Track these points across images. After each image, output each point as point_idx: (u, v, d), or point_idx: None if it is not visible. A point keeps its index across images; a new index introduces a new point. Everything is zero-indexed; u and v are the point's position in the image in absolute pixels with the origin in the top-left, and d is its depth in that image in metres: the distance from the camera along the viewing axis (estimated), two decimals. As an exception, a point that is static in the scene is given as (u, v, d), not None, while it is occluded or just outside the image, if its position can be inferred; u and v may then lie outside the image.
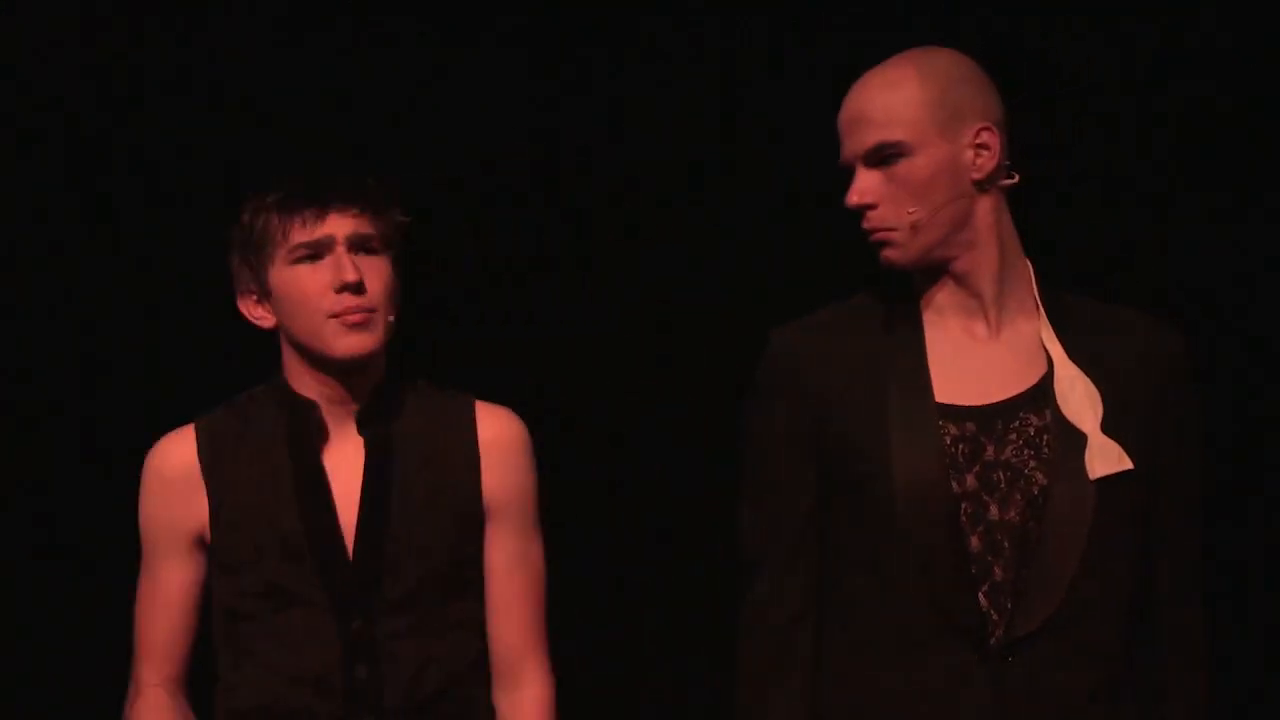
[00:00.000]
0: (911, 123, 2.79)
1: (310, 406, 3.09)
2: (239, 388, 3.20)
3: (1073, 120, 4.06)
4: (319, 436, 3.09)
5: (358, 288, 3.03)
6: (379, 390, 3.11)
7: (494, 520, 3.12)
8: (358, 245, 3.05)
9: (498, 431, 3.14)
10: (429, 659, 3.07)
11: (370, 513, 3.07)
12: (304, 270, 3.05)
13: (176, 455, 3.12)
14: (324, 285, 3.04)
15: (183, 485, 3.10)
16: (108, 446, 4.05)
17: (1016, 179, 2.84)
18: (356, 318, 3.03)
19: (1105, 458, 2.76)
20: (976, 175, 2.81)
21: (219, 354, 3.96)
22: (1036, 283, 2.88)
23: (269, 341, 3.15)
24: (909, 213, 2.80)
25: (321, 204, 3.05)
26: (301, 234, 3.04)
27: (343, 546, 3.06)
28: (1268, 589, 4.04)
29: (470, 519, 3.11)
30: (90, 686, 3.94)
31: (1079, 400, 2.78)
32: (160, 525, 3.11)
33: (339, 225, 3.05)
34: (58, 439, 4.09)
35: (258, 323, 3.11)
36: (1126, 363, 2.83)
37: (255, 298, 3.11)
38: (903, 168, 2.80)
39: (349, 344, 3.04)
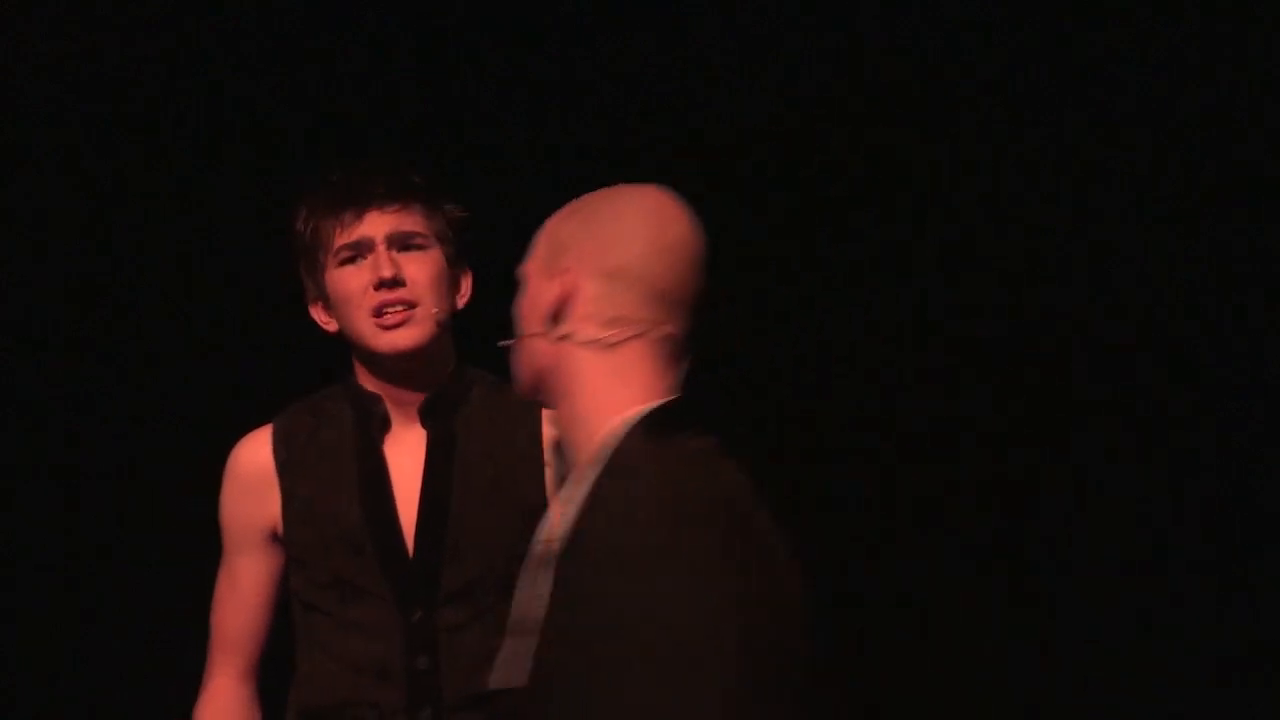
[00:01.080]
0: (530, 253, 2.46)
1: (374, 400, 3.13)
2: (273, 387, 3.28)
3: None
4: (383, 430, 3.13)
5: (393, 283, 3.05)
6: (444, 385, 3.13)
7: None
8: (399, 242, 3.08)
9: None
10: (489, 653, 3.02)
11: (430, 504, 3.10)
12: (348, 271, 3.08)
13: (253, 455, 3.18)
14: (365, 284, 3.06)
15: (258, 483, 3.16)
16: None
17: (610, 339, 2.40)
18: (395, 316, 3.05)
19: (498, 670, 2.39)
20: (544, 318, 2.42)
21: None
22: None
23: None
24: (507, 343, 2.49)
25: (360, 205, 3.08)
26: (342, 236, 3.08)
27: (402, 538, 3.09)
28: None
29: (532, 514, 2.96)
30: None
31: None
32: (237, 521, 3.18)
33: (378, 224, 3.07)
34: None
35: (325, 327, 3.15)
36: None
37: (322, 303, 3.15)
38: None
39: (389, 340, 3.06)
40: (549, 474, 3.12)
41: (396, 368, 3.10)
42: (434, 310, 3.08)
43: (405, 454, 3.13)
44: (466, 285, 3.17)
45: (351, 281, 3.07)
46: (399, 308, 3.05)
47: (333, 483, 3.12)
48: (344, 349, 3.16)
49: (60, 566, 4.12)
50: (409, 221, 3.09)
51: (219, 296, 4.10)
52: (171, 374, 4.10)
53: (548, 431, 3.12)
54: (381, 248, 3.06)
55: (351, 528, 3.09)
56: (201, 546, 3.25)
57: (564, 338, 2.41)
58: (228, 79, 4.11)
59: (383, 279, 3.04)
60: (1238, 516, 3.98)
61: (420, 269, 3.08)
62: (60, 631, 4.11)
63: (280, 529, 3.14)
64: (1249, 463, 4.01)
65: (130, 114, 4.11)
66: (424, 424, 3.13)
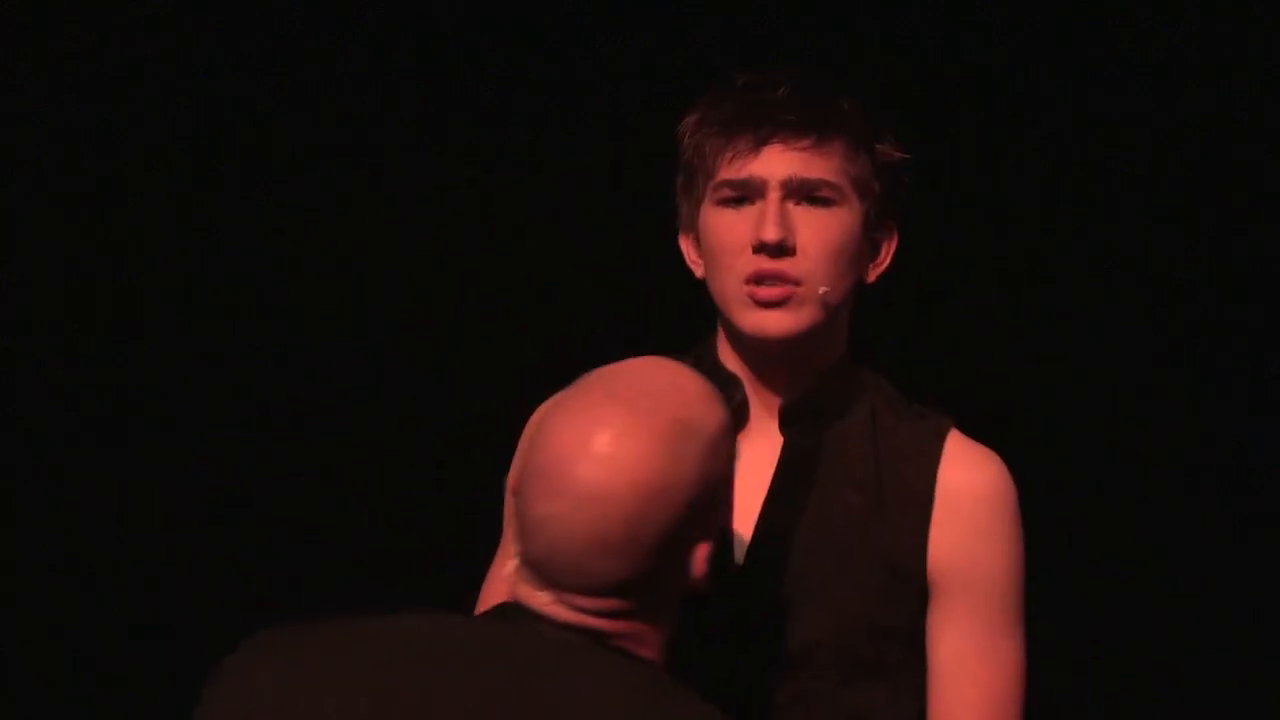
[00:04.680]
0: None
1: (732, 384, 2.39)
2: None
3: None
4: (738, 420, 2.34)
5: (778, 250, 2.33)
6: (821, 383, 2.41)
7: (944, 597, 2.34)
8: (801, 191, 2.36)
9: (967, 479, 2.37)
10: None
11: (764, 538, 2.36)
12: (728, 217, 2.37)
13: None
14: (744, 240, 2.35)
15: None
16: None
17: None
18: (772, 291, 2.35)
19: None
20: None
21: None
22: None
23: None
24: None
25: (761, 130, 2.35)
26: (729, 168, 2.36)
27: (723, 576, 2.26)
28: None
29: (904, 581, 2.35)
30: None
31: None
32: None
33: (777, 163, 2.35)
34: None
35: (692, 268, 2.47)
36: None
37: (694, 238, 2.45)
38: None
39: (756, 321, 2.35)
40: (936, 531, 2.35)
41: (761, 351, 2.39)
42: (822, 290, 2.36)
43: (755, 458, 2.36)
44: (887, 251, 2.48)
45: (728, 231, 2.36)
46: (776, 283, 2.34)
47: None
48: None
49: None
50: (821, 165, 2.36)
51: (219, 297, 4.10)
52: (171, 375, 4.10)
53: (949, 478, 2.37)
54: (774, 196, 2.34)
55: None
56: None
57: None
58: (228, 79, 4.11)
59: (764, 241, 2.32)
60: (1237, 519, 3.98)
61: (820, 234, 2.35)
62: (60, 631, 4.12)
63: None
64: (1250, 464, 4.01)
65: (130, 114, 4.11)
66: (782, 428, 2.40)
